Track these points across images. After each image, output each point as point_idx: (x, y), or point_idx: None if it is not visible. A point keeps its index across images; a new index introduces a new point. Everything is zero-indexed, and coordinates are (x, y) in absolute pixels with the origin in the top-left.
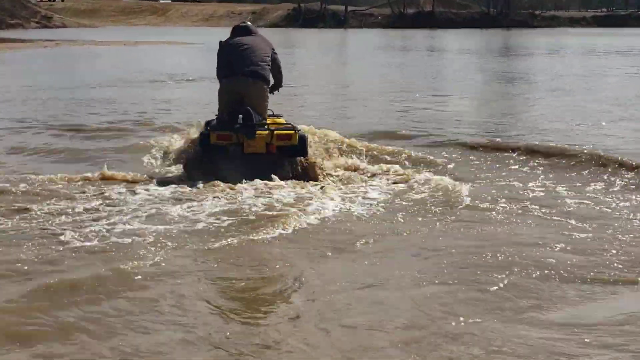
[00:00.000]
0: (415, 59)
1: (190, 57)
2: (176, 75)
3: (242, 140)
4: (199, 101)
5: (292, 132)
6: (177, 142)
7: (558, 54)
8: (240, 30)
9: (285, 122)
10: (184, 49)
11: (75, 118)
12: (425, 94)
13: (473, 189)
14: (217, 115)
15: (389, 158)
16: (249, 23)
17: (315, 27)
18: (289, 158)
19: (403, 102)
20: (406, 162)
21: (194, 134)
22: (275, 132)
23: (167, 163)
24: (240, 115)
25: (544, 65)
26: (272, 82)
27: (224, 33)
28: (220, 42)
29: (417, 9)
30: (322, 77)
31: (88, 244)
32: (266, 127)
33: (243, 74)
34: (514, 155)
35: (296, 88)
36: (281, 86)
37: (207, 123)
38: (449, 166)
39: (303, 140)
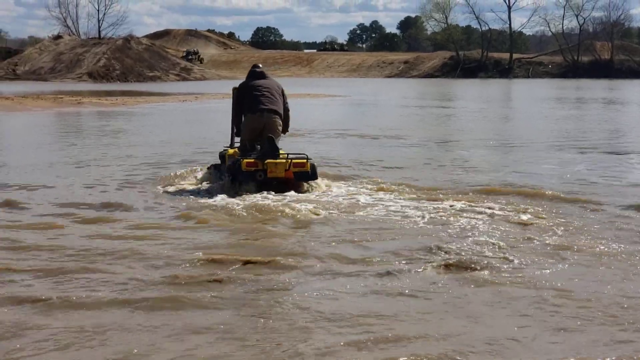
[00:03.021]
0: (592, 111)
1: (333, 110)
2: (315, 131)
3: (266, 167)
4: (341, 157)
5: (305, 160)
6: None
7: None
8: (257, 74)
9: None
10: (330, 100)
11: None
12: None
13: None
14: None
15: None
16: (261, 65)
17: (476, 77)
18: (302, 181)
19: (578, 163)
20: None
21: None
22: (293, 160)
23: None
24: (259, 146)
25: None
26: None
27: (376, 84)
28: (241, 84)
29: (592, 56)
30: (482, 131)
31: None
32: (284, 155)
33: (268, 110)
34: None
35: (456, 143)
36: (288, 129)
37: (216, 165)
38: None
39: (313, 167)
